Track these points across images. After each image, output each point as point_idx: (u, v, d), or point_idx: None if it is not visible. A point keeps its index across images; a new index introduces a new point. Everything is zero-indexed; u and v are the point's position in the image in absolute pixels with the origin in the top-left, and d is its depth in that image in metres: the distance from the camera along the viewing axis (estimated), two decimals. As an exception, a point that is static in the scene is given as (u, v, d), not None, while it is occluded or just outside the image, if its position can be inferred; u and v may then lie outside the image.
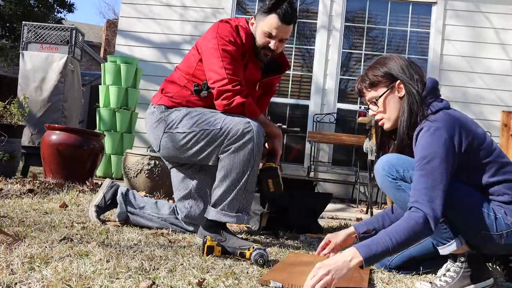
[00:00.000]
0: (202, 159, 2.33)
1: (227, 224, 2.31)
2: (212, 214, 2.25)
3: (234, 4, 6.35)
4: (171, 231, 2.49)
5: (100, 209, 2.53)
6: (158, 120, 2.42)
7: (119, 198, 2.51)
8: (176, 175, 2.53)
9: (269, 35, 2.37)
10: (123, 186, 2.58)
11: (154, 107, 2.46)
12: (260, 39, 2.39)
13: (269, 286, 1.64)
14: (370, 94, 1.90)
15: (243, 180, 2.21)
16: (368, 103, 1.92)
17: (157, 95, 2.50)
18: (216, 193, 2.25)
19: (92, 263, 1.66)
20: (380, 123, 1.92)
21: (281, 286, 1.63)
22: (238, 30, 2.38)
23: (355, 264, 1.55)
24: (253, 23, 2.44)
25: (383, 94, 1.86)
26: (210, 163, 2.32)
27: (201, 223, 2.45)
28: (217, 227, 2.25)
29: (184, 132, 2.32)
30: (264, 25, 2.37)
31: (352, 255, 1.56)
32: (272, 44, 2.38)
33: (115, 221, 2.54)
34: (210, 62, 2.31)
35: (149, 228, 2.50)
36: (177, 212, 2.52)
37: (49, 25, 5.73)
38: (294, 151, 6.30)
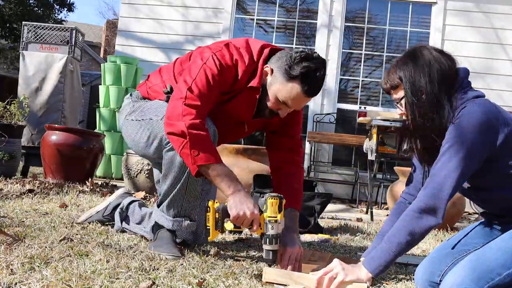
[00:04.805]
0: (152, 154, 2.06)
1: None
2: (154, 213, 2.10)
3: (234, 4, 6.35)
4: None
5: (95, 216, 2.49)
6: (126, 104, 2.24)
7: (116, 214, 2.40)
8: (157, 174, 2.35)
9: (284, 104, 1.98)
10: (128, 198, 2.45)
11: (132, 93, 2.27)
12: (271, 103, 1.99)
13: None
14: (394, 95, 1.84)
15: (182, 180, 1.96)
16: (395, 103, 1.86)
17: (142, 82, 2.31)
18: (161, 189, 2.05)
19: (92, 263, 1.66)
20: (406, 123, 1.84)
21: None
22: (237, 67, 1.98)
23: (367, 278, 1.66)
24: (268, 73, 1.99)
25: (402, 98, 1.78)
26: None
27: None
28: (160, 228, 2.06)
29: (136, 120, 2.11)
30: (282, 91, 1.95)
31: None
32: (282, 112, 2.02)
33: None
34: (186, 73, 1.97)
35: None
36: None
37: (49, 25, 5.72)
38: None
